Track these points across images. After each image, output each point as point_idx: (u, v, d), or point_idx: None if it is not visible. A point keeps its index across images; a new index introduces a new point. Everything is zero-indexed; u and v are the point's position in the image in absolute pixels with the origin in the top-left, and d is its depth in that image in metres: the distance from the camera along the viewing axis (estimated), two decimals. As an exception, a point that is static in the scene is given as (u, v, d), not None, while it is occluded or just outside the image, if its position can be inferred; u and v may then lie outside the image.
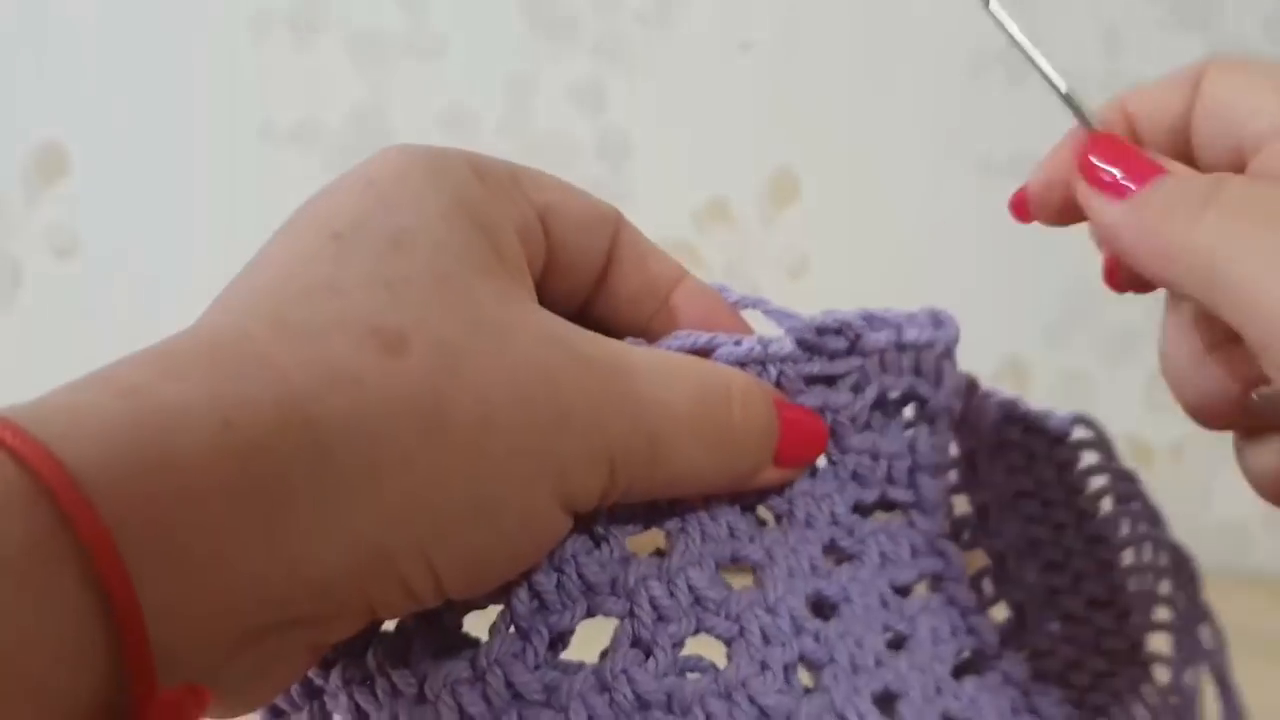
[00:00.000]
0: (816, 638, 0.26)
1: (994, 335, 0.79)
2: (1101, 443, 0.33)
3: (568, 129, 0.77)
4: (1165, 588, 0.33)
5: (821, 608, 0.28)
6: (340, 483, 0.21)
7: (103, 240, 0.75)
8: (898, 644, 0.28)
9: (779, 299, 0.85)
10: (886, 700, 0.27)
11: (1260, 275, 0.24)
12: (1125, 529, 0.33)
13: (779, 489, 0.29)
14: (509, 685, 0.24)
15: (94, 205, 0.75)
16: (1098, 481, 0.33)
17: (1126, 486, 0.33)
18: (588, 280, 0.29)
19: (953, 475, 0.31)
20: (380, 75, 0.76)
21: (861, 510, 0.30)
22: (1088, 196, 0.29)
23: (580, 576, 0.25)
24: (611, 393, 0.24)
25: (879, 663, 0.27)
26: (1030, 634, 0.32)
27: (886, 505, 0.30)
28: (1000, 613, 0.33)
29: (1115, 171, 0.29)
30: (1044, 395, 0.79)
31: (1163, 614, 0.33)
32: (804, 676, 0.26)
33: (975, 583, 0.32)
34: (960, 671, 0.29)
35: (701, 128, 0.78)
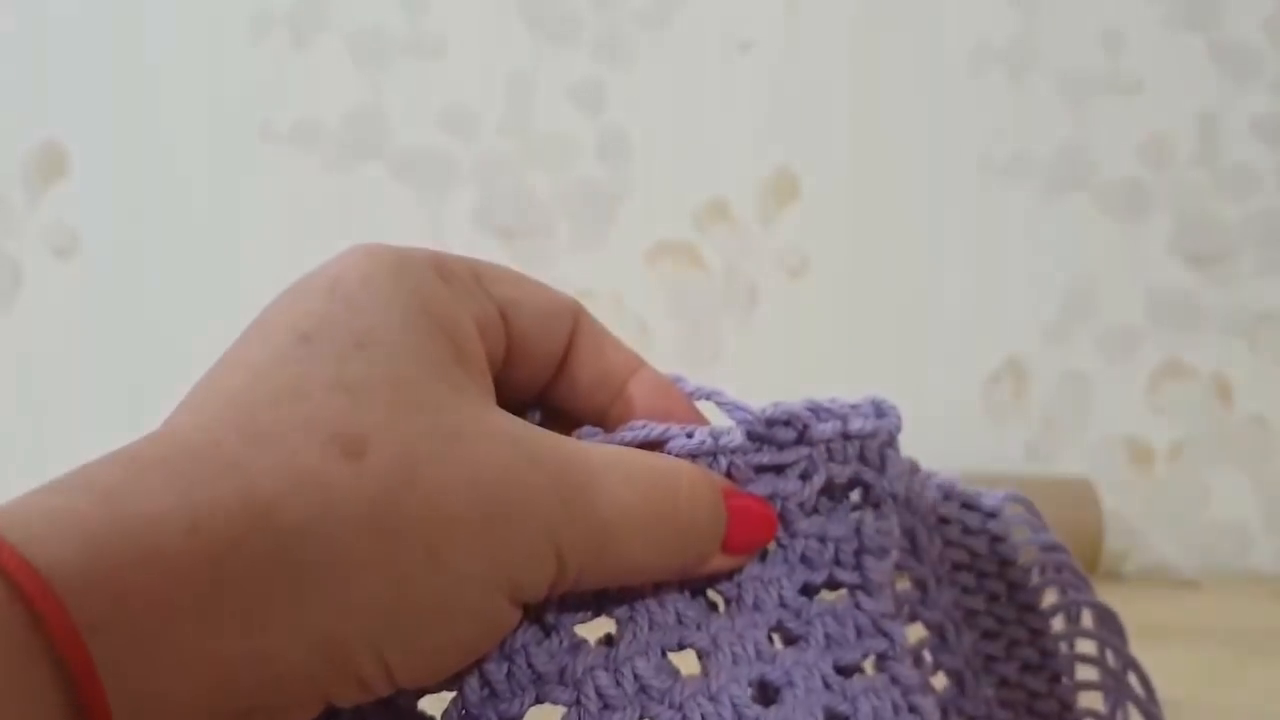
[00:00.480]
0: None
1: (994, 335, 0.79)
2: (1031, 517, 0.36)
3: (568, 129, 0.77)
4: (1094, 648, 0.35)
5: (766, 691, 0.29)
6: (303, 582, 0.22)
7: (102, 240, 0.75)
8: None
9: (779, 298, 0.85)
10: None
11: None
12: (1054, 596, 0.35)
13: (729, 574, 0.30)
14: None
15: (94, 205, 0.75)
16: (1028, 554, 0.36)
17: (1055, 556, 0.35)
18: (547, 369, 0.31)
19: (895, 554, 0.33)
20: (380, 75, 0.76)
21: (809, 592, 0.32)
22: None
23: (530, 666, 0.27)
24: (562, 491, 0.25)
25: None
26: (969, 700, 0.34)
27: (833, 586, 0.32)
28: (939, 681, 0.35)
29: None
30: (1044, 395, 0.79)
31: (1091, 674, 0.36)
32: None
33: (916, 654, 0.34)
34: None
35: (702, 128, 0.78)
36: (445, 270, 0.28)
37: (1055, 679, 0.35)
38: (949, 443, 0.78)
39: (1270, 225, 0.82)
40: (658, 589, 0.29)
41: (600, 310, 0.76)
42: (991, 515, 0.35)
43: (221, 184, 0.75)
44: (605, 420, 0.32)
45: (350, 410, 0.24)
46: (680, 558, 0.28)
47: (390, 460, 0.23)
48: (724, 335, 0.77)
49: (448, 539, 0.24)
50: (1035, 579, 0.36)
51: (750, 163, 0.78)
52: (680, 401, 0.33)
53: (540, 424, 0.31)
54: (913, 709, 0.30)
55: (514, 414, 0.29)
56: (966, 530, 0.35)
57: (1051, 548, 0.35)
